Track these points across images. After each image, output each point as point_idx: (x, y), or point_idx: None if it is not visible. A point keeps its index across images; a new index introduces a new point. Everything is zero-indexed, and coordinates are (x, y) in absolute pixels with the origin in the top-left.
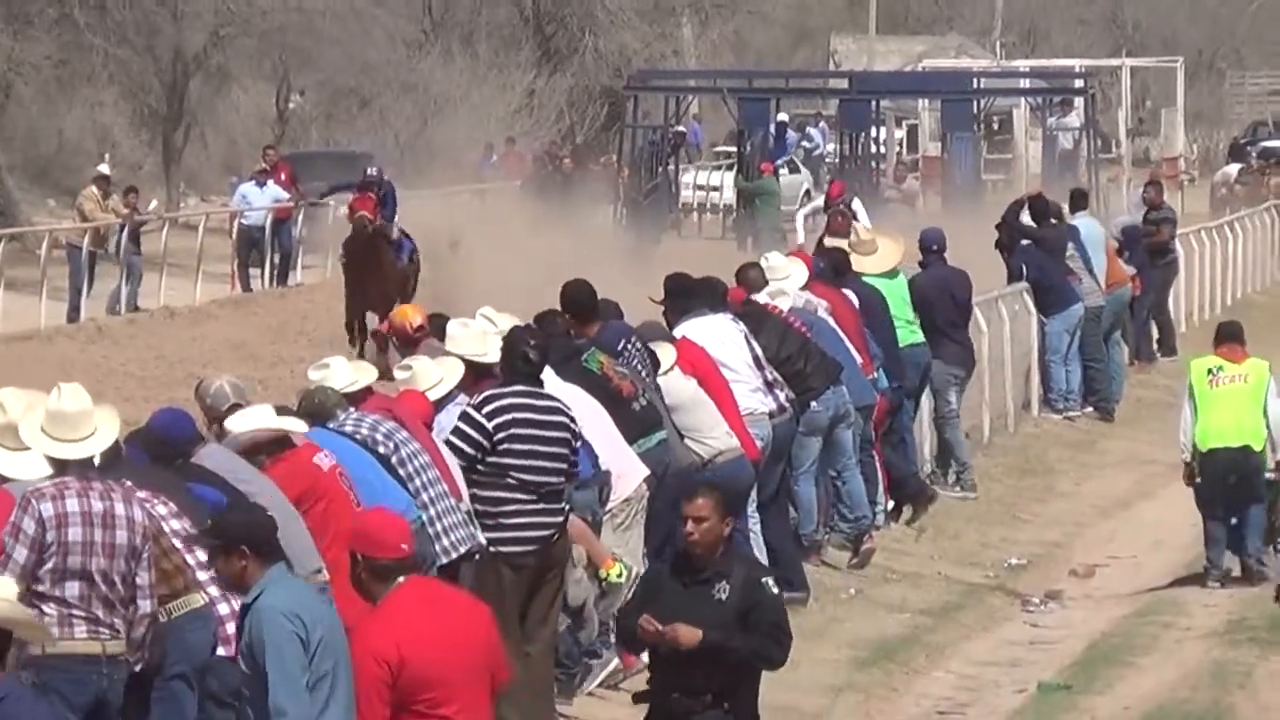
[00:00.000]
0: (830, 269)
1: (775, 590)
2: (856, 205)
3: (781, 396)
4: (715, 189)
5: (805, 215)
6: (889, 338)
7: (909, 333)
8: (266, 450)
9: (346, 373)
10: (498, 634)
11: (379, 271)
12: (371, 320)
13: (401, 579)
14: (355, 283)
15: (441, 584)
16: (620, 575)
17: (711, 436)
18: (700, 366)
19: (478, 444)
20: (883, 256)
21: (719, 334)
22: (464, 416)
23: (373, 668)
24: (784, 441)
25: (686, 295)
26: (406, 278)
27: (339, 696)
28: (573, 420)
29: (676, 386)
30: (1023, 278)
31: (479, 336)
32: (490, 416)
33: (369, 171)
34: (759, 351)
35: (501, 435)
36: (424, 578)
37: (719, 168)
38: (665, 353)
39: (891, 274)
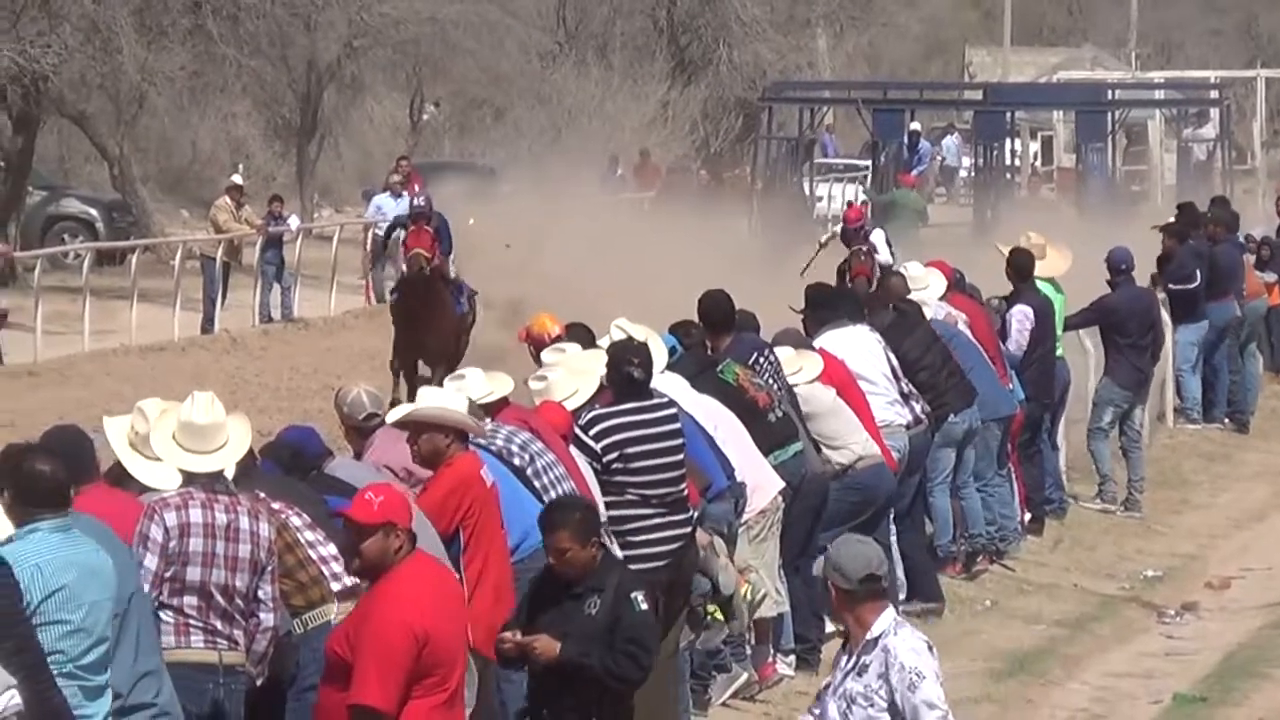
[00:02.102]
0: (1015, 272)
1: (643, 607)
2: (877, 236)
3: (918, 408)
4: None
5: (823, 241)
6: (1050, 350)
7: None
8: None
9: (482, 384)
10: None
11: (436, 317)
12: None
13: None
14: (408, 327)
15: (431, 561)
16: (745, 597)
17: (853, 443)
18: (837, 378)
19: (588, 465)
20: (1050, 263)
21: (857, 346)
22: (573, 438)
23: (403, 637)
24: (920, 453)
25: (827, 306)
26: (465, 327)
27: (125, 640)
28: (696, 427)
29: (817, 394)
30: (1195, 280)
31: (578, 357)
32: (597, 438)
33: (417, 202)
34: (896, 363)
35: (612, 455)
36: (421, 554)
37: (829, 180)
38: (811, 361)
39: (1057, 287)
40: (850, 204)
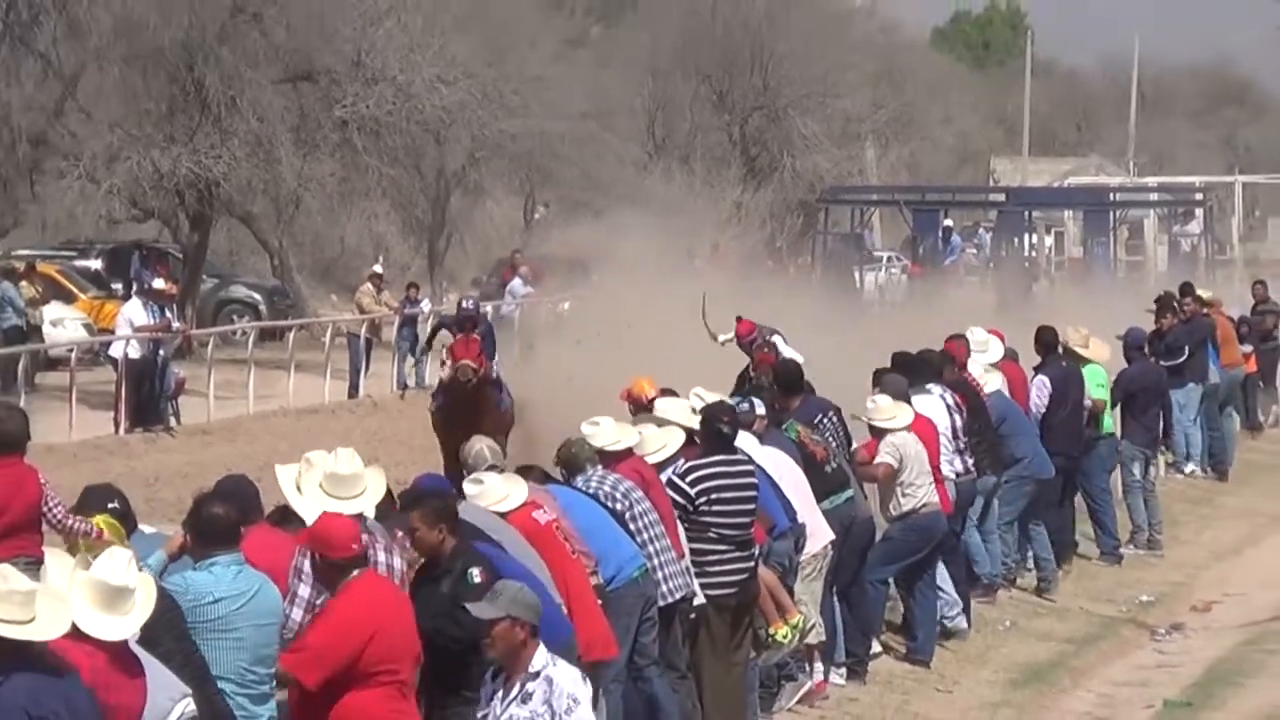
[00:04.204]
0: (1042, 346)
1: (476, 580)
2: (776, 340)
3: (968, 461)
4: None
5: (721, 342)
6: (1076, 414)
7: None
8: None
9: (612, 432)
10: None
11: (482, 422)
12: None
13: (356, 572)
14: (452, 434)
15: (383, 578)
16: (785, 637)
17: (920, 491)
18: (921, 432)
19: (682, 506)
20: (1095, 349)
21: (927, 409)
22: (669, 483)
23: (350, 632)
24: (966, 498)
25: (906, 370)
26: (509, 424)
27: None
28: (763, 476)
29: (908, 443)
30: (1184, 353)
31: (668, 416)
32: (692, 484)
33: (464, 304)
34: (958, 424)
35: (702, 500)
36: (373, 572)
37: (874, 268)
38: (904, 412)
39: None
40: (739, 318)
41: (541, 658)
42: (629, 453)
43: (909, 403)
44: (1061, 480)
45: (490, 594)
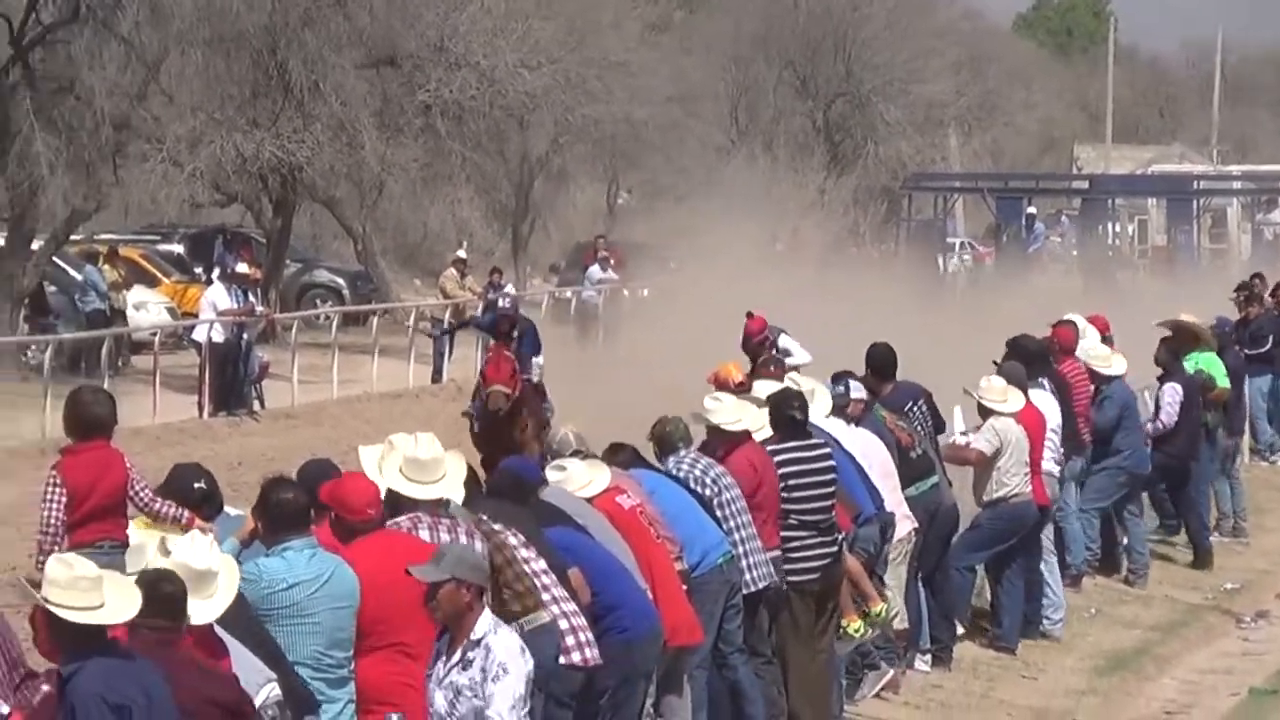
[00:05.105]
0: (1169, 355)
1: None
2: (786, 341)
3: (1060, 452)
4: None
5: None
6: (1198, 421)
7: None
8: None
9: (733, 411)
10: None
11: (522, 442)
12: None
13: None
14: (494, 447)
15: (403, 534)
16: (858, 631)
17: (1012, 481)
18: (1030, 423)
19: None
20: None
21: (1041, 403)
22: None
23: None
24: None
25: (1024, 358)
26: (547, 424)
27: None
28: (850, 461)
29: (1010, 429)
30: (1269, 342)
31: (758, 413)
32: None
33: (501, 304)
34: (1059, 419)
35: (779, 486)
36: (390, 530)
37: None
38: (1016, 397)
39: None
40: (750, 314)
41: (485, 624)
42: (747, 436)
43: (1025, 393)
44: (1167, 479)
45: (435, 556)
